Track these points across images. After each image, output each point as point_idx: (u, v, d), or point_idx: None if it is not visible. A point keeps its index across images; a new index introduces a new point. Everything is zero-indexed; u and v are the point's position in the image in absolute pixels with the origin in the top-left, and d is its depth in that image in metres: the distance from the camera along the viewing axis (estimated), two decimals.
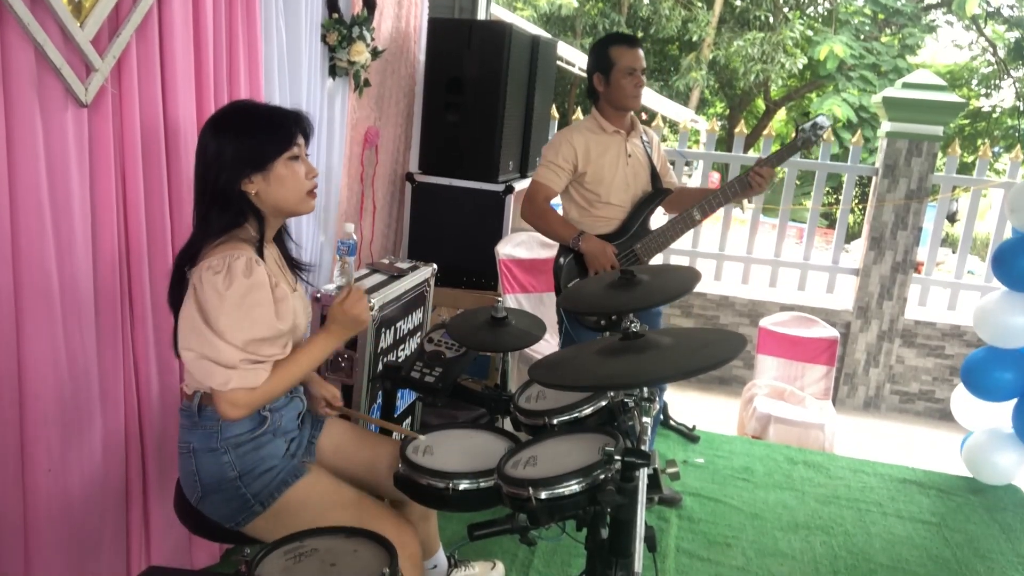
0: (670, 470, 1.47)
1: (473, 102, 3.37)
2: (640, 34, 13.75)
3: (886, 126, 4.55)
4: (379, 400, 2.33)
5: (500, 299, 2.08)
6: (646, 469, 1.39)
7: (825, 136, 4.78)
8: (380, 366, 2.40)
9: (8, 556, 1.68)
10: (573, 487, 1.40)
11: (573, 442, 1.60)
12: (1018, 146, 4.73)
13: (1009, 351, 3.24)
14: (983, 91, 15.03)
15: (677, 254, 5.02)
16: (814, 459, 3.49)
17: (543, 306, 3.47)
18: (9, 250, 1.57)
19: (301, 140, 1.60)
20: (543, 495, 1.40)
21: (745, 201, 4.42)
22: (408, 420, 2.79)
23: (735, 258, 4.98)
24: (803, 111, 15.33)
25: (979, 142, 11.45)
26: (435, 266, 2.89)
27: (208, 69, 1.99)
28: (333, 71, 2.71)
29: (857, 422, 4.50)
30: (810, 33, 13.47)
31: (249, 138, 1.54)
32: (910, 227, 4.57)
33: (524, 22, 8.84)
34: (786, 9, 13.74)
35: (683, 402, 4.33)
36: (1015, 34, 13.29)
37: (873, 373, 4.70)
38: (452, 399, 2.01)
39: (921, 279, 4.78)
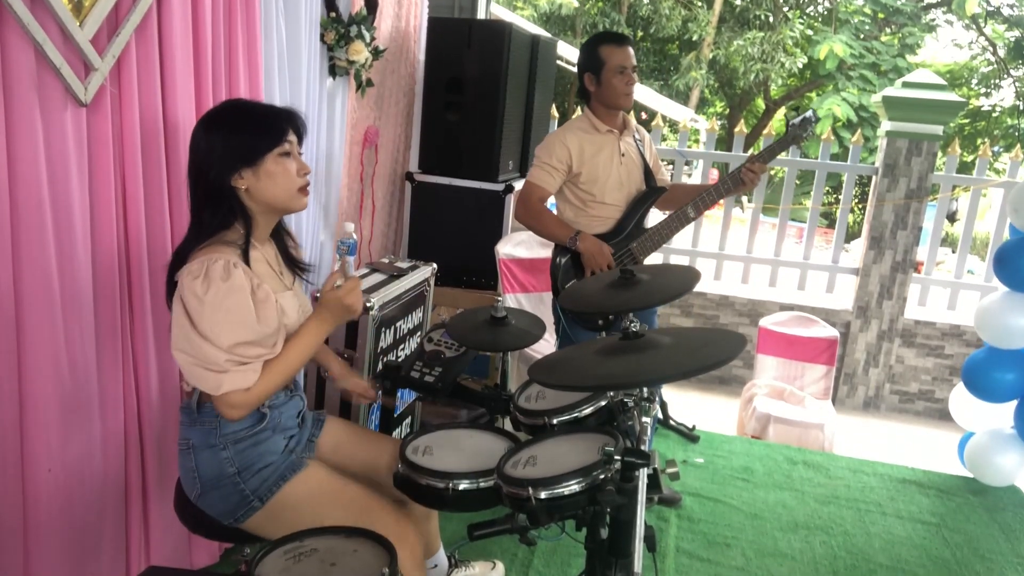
0: (670, 470, 1.48)
1: (473, 101, 3.38)
2: (640, 33, 13.76)
3: (886, 125, 4.55)
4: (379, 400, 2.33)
5: (500, 299, 2.08)
6: (646, 469, 1.39)
7: (824, 135, 4.81)
8: (380, 365, 2.41)
9: (8, 556, 1.68)
10: (573, 487, 1.40)
11: (573, 442, 1.60)
12: (1018, 145, 4.74)
13: (1010, 352, 3.23)
14: (983, 90, 15.01)
15: (677, 253, 5.01)
16: (814, 459, 3.49)
17: (543, 306, 3.46)
18: (9, 250, 1.57)
19: (293, 137, 1.60)
20: (543, 495, 1.40)
21: (745, 200, 4.42)
22: (408, 420, 2.80)
23: (735, 258, 4.98)
24: (803, 111, 15.30)
25: (979, 141, 11.43)
26: (435, 265, 2.89)
27: (207, 68, 1.99)
28: (333, 70, 2.70)
29: (857, 422, 4.50)
30: (810, 32, 13.47)
31: (240, 134, 1.55)
32: (910, 227, 4.57)
33: (524, 21, 8.83)
34: (786, 8, 13.73)
35: (683, 402, 4.33)
36: (1015, 33, 13.27)
37: (873, 373, 4.70)
38: (451, 399, 2.01)
39: (921, 279, 4.78)
